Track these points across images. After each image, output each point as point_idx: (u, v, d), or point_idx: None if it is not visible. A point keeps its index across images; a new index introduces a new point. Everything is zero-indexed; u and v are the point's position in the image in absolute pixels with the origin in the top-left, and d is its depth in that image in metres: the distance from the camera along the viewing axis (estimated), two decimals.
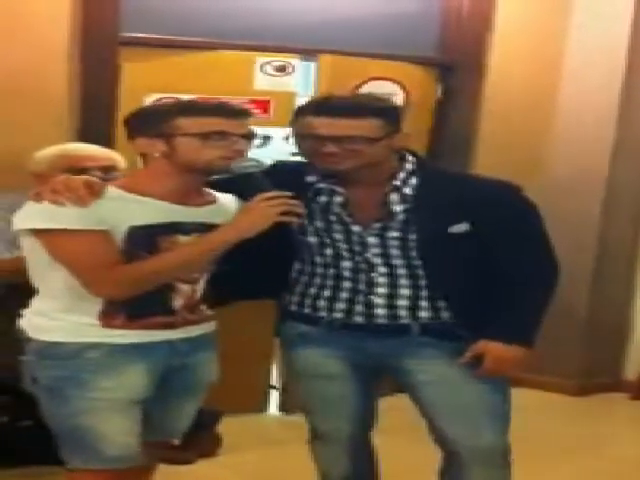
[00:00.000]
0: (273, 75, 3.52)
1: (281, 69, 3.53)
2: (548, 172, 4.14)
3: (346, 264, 2.14)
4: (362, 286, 2.14)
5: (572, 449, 3.52)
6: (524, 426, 3.48)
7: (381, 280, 2.13)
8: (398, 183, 2.08)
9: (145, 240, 1.91)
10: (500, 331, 2.11)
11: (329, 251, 2.15)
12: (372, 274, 2.13)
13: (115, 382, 1.94)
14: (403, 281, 2.12)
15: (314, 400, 2.27)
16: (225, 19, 3.46)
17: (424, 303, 2.13)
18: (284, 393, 3.75)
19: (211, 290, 2.07)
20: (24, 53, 3.17)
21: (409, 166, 2.11)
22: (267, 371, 3.74)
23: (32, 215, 1.88)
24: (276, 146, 3.35)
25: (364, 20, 3.69)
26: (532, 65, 4.02)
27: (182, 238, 1.95)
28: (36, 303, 2.01)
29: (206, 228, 1.97)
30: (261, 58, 3.50)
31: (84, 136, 3.19)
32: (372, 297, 2.13)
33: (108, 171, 2.66)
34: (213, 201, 2.05)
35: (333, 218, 2.11)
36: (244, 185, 1.97)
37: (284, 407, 3.75)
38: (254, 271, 2.12)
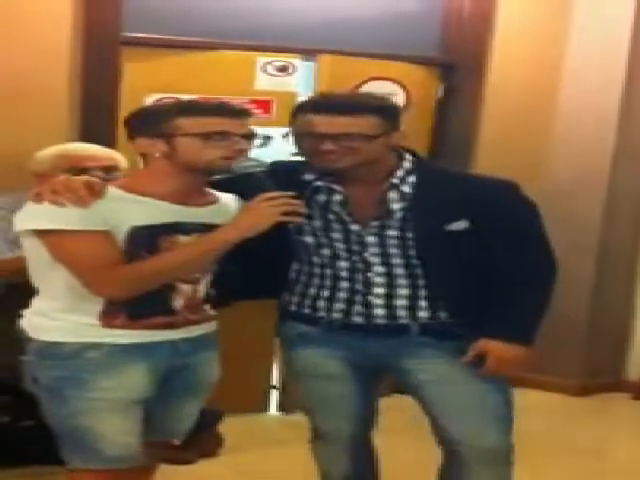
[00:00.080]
0: (274, 75, 3.52)
1: (282, 69, 3.53)
2: (548, 173, 4.14)
3: (343, 264, 2.14)
4: (360, 286, 2.13)
5: (573, 449, 3.52)
6: (525, 426, 3.48)
7: (379, 280, 2.12)
8: (396, 181, 2.08)
9: (146, 240, 1.91)
10: (500, 330, 2.11)
11: (326, 251, 2.14)
12: (369, 274, 2.12)
13: (116, 382, 1.94)
14: (402, 281, 2.12)
15: (314, 400, 2.27)
16: (226, 19, 3.47)
17: (423, 303, 2.13)
18: (283, 393, 3.75)
19: (212, 290, 2.07)
20: (25, 53, 3.17)
21: (407, 164, 2.11)
22: (268, 371, 3.75)
23: (33, 216, 1.88)
24: (277, 146, 3.35)
25: (365, 20, 3.69)
26: (533, 66, 4.02)
27: (183, 238, 1.95)
28: (36, 303, 2.01)
29: (207, 228, 1.96)
30: (262, 58, 3.50)
31: (85, 136, 3.19)
32: (370, 297, 2.13)
33: (109, 171, 2.66)
34: (214, 201, 2.04)
35: (332, 217, 2.11)
36: (245, 185, 1.97)
37: (283, 407, 3.75)
38: (254, 271, 2.12)
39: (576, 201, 4.12)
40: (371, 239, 2.10)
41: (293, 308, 2.22)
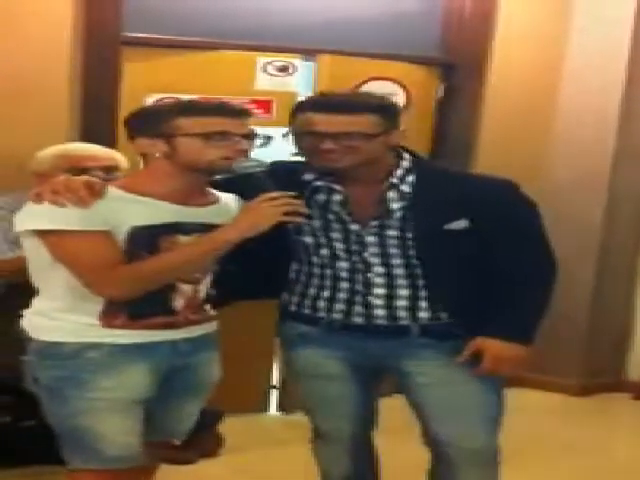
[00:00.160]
0: (275, 75, 3.52)
1: (283, 69, 3.53)
2: (549, 174, 4.14)
3: (342, 264, 2.14)
4: (359, 286, 2.13)
5: (574, 449, 3.52)
6: (526, 426, 3.49)
7: (378, 280, 2.12)
8: (395, 181, 2.08)
9: (146, 240, 1.91)
10: (500, 329, 2.11)
11: (325, 251, 2.14)
12: (369, 274, 2.12)
13: (116, 382, 1.94)
14: (401, 281, 2.12)
15: (314, 400, 2.27)
16: (226, 19, 3.47)
17: (423, 303, 2.13)
18: (283, 393, 3.75)
19: (212, 290, 2.07)
20: (26, 53, 3.17)
21: (406, 164, 2.11)
22: (268, 371, 3.75)
23: (33, 216, 1.88)
24: (278, 146, 3.35)
25: (365, 20, 3.69)
26: (533, 66, 4.02)
27: (183, 238, 1.95)
28: (37, 303, 2.01)
29: (207, 228, 1.96)
30: (262, 58, 3.50)
31: (86, 136, 3.19)
32: (370, 298, 2.13)
33: (110, 171, 2.66)
34: (215, 201, 2.04)
35: (331, 217, 2.11)
36: (246, 185, 1.97)
37: (283, 407, 3.75)
38: (254, 271, 2.12)
39: (576, 201, 4.13)
40: (371, 239, 2.10)
41: (293, 308, 2.22)
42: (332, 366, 2.19)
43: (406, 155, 2.13)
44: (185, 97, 2.97)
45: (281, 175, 2.01)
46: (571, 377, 4.22)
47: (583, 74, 4.04)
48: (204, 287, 2.04)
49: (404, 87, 3.74)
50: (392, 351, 2.15)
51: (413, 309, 2.13)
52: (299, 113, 2.04)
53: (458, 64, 3.89)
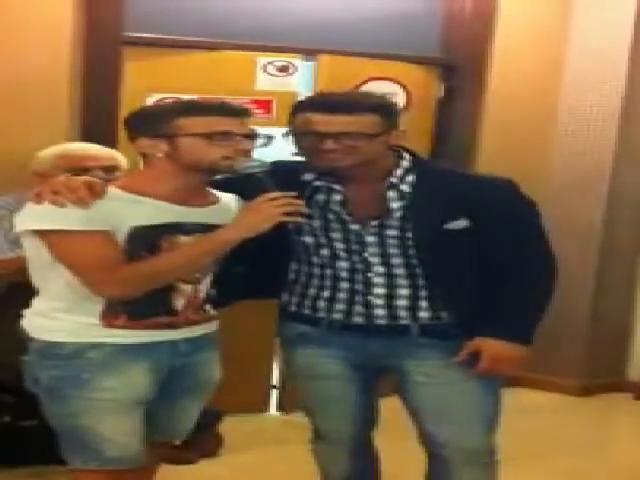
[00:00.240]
0: (275, 75, 3.52)
1: (283, 69, 3.53)
2: (549, 175, 4.15)
3: (343, 264, 2.13)
4: (360, 286, 2.13)
5: (575, 449, 3.52)
6: (527, 426, 3.49)
7: (379, 280, 2.12)
8: (395, 180, 2.08)
9: (146, 240, 1.91)
10: (498, 330, 2.10)
11: (325, 251, 2.14)
12: (369, 274, 2.12)
13: (117, 382, 1.94)
14: (402, 281, 2.12)
15: (314, 401, 2.27)
16: (226, 19, 3.47)
17: (423, 303, 2.13)
18: (283, 392, 3.75)
19: (212, 290, 2.07)
20: (26, 53, 3.17)
21: (406, 163, 2.10)
22: (268, 371, 3.74)
23: (33, 216, 1.88)
24: (278, 146, 3.36)
25: (366, 20, 3.69)
26: (533, 67, 4.02)
27: (183, 238, 1.94)
28: (37, 303, 2.01)
29: (207, 228, 1.96)
30: (263, 58, 3.50)
31: (86, 136, 3.19)
32: (370, 297, 2.13)
33: (110, 171, 2.66)
34: (215, 201, 2.04)
35: (331, 217, 2.11)
36: (248, 185, 1.96)
37: (283, 407, 3.75)
38: (256, 271, 2.12)
39: (577, 202, 4.13)
40: (371, 239, 2.10)
41: (293, 308, 2.22)
42: (332, 366, 2.18)
43: (406, 155, 2.13)
44: (186, 97, 2.97)
45: (281, 175, 2.01)
46: (572, 377, 4.22)
47: (584, 74, 4.05)
48: (204, 287, 2.04)
49: (404, 87, 3.75)
50: (392, 351, 2.15)
51: (413, 309, 2.13)
52: (299, 113, 2.04)
53: (458, 64, 3.89)
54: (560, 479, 3.26)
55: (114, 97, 3.31)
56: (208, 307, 2.07)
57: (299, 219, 1.96)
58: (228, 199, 2.07)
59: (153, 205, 1.92)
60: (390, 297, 2.12)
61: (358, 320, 2.14)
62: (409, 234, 2.08)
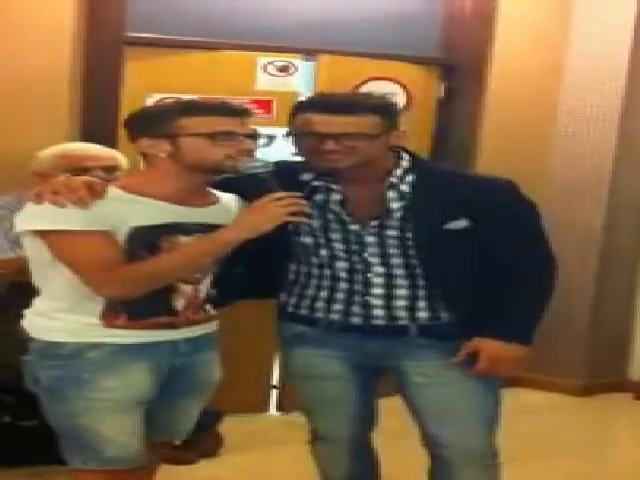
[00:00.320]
0: (276, 75, 3.52)
1: (283, 69, 3.53)
2: (549, 176, 4.14)
3: (342, 265, 2.13)
4: (359, 287, 2.13)
5: (576, 449, 3.52)
6: (527, 426, 3.49)
7: (378, 280, 2.12)
8: (395, 180, 2.08)
9: (146, 240, 1.91)
10: (497, 330, 2.10)
11: (324, 252, 2.14)
12: (368, 274, 2.12)
13: (117, 382, 1.94)
14: (401, 281, 2.11)
15: (313, 401, 2.26)
16: (227, 19, 3.47)
17: (422, 303, 2.12)
18: (283, 392, 3.74)
19: (212, 290, 2.07)
20: (27, 53, 3.17)
21: (405, 163, 2.10)
22: (268, 371, 3.74)
23: (33, 216, 1.88)
24: (279, 146, 3.36)
25: (367, 20, 3.69)
26: (533, 67, 4.02)
27: (183, 238, 1.94)
28: (37, 303, 2.01)
29: (207, 228, 1.96)
30: (263, 58, 3.50)
31: (87, 136, 3.20)
32: (369, 298, 2.13)
33: (110, 171, 2.66)
34: (215, 201, 2.04)
35: (331, 217, 2.11)
36: (252, 185, 1.96)
37: (283, 406, 3.75)
38: (256, 271, 2.12)
39: (577, 204, 4.13)
40: (370, 239, 2.10)
41: (291, 309, 2.21)
42: (331, 366, 2.18)
43: (405, 155, 2.12)
44: (186, 97, 2.97)
45: (279, 175, 2.01)
46: (573, 377, 4.22)
47: (584, 76, 4.05)
48: (204, 287, 2.04)
49: (404, 87, 3.75)
50: (391, 351, 2.15)
51: (412, 309, 2.12)
52: (299, 113, 2.04)
53: (458, 65, 3.89)
54: (560, 479, 3.26)
55: (114, 97, 3.31)
56: (208, 307, 2.07)
57: (303, 219, 1.96)
58: (228, 199, 2.07)
59: (153, 205, 1.92)
60: (389, 297, 2.12)
61: (356, 320, 2.14)
62: (409, 234, 2.08)
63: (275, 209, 1.90)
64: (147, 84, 3.35)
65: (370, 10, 3.70)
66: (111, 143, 2.98)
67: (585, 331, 4.23)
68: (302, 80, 3.59)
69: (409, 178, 2.09)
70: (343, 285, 2.14)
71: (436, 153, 3.88)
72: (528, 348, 2.14)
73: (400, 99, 3.65)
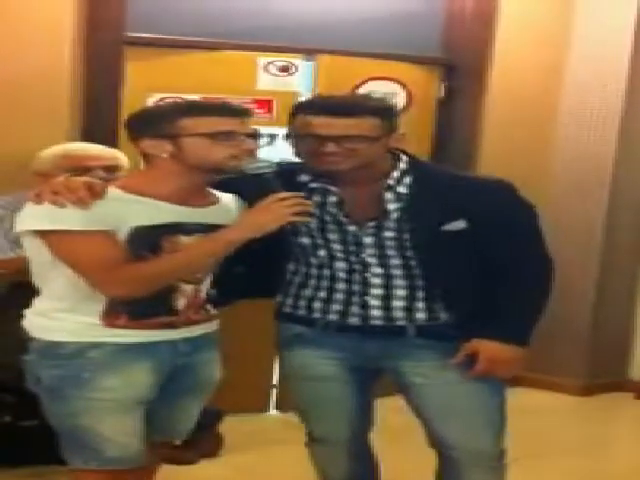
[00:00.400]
0: (276, 75, 3.52)
1: (284, 69, 3.53)
2: (549, 177, 4.14)
3: (340, 265, 2.13)
4: (357, 287, 2.12)
5: (577, 449, 3.52)
6: (529, 426, 3.49)
7: (376, 281, 2.12)
8: (392, 182, 2.07)
9: (147, 240, 1.91)
10: (495, 331, 2.10)
11: (322, 252, 2.14)
12: (366, 275, 2.12)
13: (118, 382, 1.94)
14: (399, 281, 2.11)
15: (310, 402, 2.26)
16: (227, 19, 3.47)
17: (420, 304, 2.12)
18: (283, 392, 3.74)
19: (212, 290, 2.08)
20: (28, 53, 3.17)
21: (403, 165, 2.10)
22: (269, 371, 3.74)
23: (33, 216, 1.88)
24: (279, 146, 3.36)
25: (367, 20, 3.69)
26: (534, 67, 4.02)
27: (184, 238, 1.95)
28: (38, 303, 2.01)
29: (208, 228, 1.96)
30: (264, 58, 3.50)
31: (88, 135, 3.20)
32: (367, 298, 2.12)
33: (112, 171, 2.67)
34: (215, 201, 2.04)
35: (328, 218, 2.10)
36: (256, 185, 1.96)
37: (282, 406, 3.75)
38: (254, 271, 2.11)
39: (578, 202, 4.13)
40: (368, 240, 2.10)
41: (288, 309, 2.21)
42: (329, 367, 2.18)
43: (403, 156, 2.12)
44: (187, 97, 2.98)
45: (280, 176, 2.01)
46: (574, 377, 4.22)
47: (584, 77, 4.04)
48: (205, 287, 2.04)
49: (405, 87, 3.74)
50: (388, 352, 2.15)
51: (410, 309, 2.12)
52: (298, 115, 2.04)
53: (459, 64, 3.89)
54: (560, 479, 3.26)
55: (115, 97, 3.31)
56: (209, 307, 2.07)
57: (308, 219, 1.96)
58: (228, 199, 2.07)
59: (153, 205, 1.92)
60: (387, 298, 2.12)
61: (354, 321, 2.14)
62: (406, 235, 2.07)
63: (280, 209, 1.91)
64: (148, 84, 3.35)
65: (370, 10, 3.70)
66: (112, 143, 2.98)
67: (586, 331, 4.23)
68: (303, 80, 3.59)
69: (407, 180, 2.09)
70: (341, 285, 2.14)
71: (436, 153, 3.88)
72: (526, 349, 2.14)
73: (400, 99, 3.66)
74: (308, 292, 2.18)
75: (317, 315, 2.16)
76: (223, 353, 2.15)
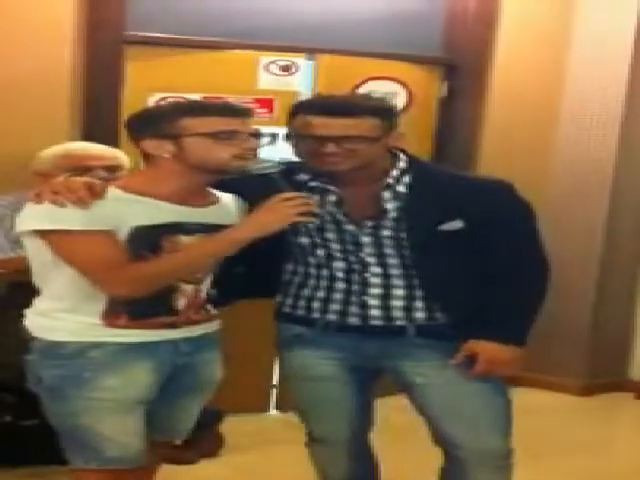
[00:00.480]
0: (277, 74, 3.52)
1: (285, 68, 3.53)
2: (550, 178, 4.14)
3: (339, 265, 2.13)
4: (356, 287, 2.13)
5: (577, 449, 3.52)
6: (529, 426, 3.48)
7: (375, 280, 2.12)
8: (391, 181, 2.07)
9: (148, 240, 1.91)
10: (493, 332, 2.10)
11: (321, 252, 2.14)
12: (365, 274, 2.12)
13: (118, 381, 1.94)
14: (398, 281, 2.11)
15: (310, 403, 2.26)
16: (228, 18, 3.47)
17: (419, 304, 2.12)
18: (283, 392, 3.74)
19: (212, 290, 2.08)
20: (28, 53, 3.17)
21: (402, 164, 2.10)
22: (268, 371, 3.74)
23: (34, 216, 1.88)
24: (282, 145, 3.37)
25: (368, 20, 3.69)
26: (535, 67, 4.02)
27: (184, 238, 1.95)
28: (39, 303, 2.01)
29: (208, 228, 1.97)
30: (265, 57, 3.50)
31: (88, 135, 3.19)
32: (366, 298, 2.13)
33: (112, 170, 2.66)
34: (215, 201, 2.04)
35: (327, 217, 2.10)
36: (261, 185, 1.96)
37: (282, 406, 3.75)
38: (254, 271, 2.11)
39: (579, 204, 4.13)
40: (366, 239, 2.10)
41: (287, 309, 2.21)
42: (328, 367, 2.18)
43: (402, 156, 2.12)
44: (188, 96, 2.98)
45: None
46: (574, 377, 4.22)
47: (585, 79, 4.04)
48: (205, 287, 2.04)
49: (406, 86, 3.74)
50: (388, 352, 2.15)
51: (409, 309, 2.12)
52: (298, 115, 2.04)
53: (460, 64, 3.89)
54: (560, 479, 3.26)
55: (115, 97, 3.31)
56: (209, 307, 2.07)
57: (313, 219, 1.97)
58: (228, 199, 2.07)
59: (154, 205, 1.92)
60: (386, 297, 2.12)
61: (353, 321, 2.14)
62: (403, 235, 2.08)
63: (285, 209, 1.91)
64: (148, 84, 3.35)
65: (371, 10, 3.70)
66: (112, 143, 2.98)
67: (586, 331, 4.22)
68: (304, 79, 3.59)
69: (406, 179, 2.09)
70: (340, 285, 2.14)
71: (437, 152, 3.88)
72: (523, 349, 2.14)
73: (401, 99, 3.66)
74: (307, 292, 2.18)
75: (316, 315, 2.16)
76: (223, 353, 2.15)
